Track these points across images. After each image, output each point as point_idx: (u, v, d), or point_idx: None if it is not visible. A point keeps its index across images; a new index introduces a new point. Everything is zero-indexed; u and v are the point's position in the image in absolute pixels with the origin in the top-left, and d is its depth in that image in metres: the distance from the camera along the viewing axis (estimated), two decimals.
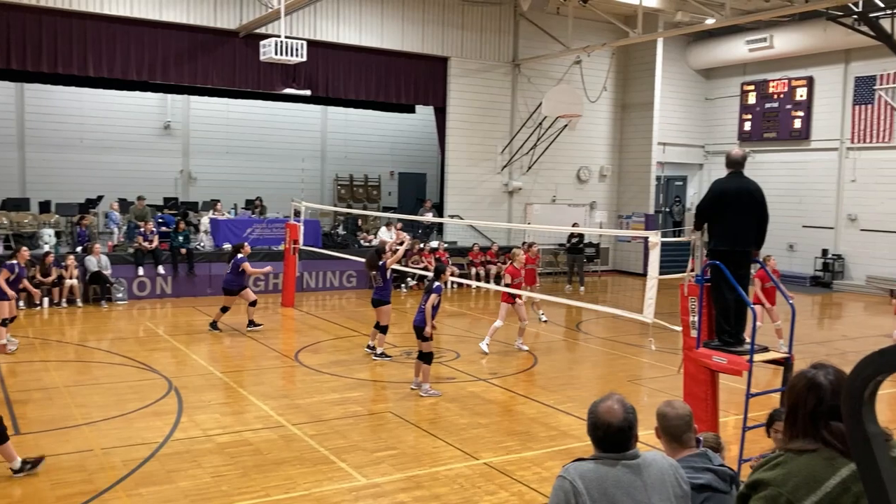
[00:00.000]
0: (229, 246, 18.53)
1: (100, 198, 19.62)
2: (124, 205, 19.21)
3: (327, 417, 8.85)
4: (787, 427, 2.52)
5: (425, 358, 9.89)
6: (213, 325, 13.86)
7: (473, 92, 22.69)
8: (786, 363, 6.75)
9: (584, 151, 24.81)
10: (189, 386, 10.03)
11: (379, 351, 11.88)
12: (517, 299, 12.68)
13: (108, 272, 16.56)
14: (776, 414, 5.06)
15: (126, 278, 17.05)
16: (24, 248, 12.69)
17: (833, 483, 2.31)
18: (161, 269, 17.46)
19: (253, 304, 14.04)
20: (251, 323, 14.01)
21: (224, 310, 13.91)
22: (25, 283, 12.50)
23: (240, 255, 13.96)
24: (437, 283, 10.01)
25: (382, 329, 11.89)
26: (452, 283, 19.86)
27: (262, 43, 16.12)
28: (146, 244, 17.29)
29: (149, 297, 17.32)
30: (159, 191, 21.31)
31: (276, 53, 15.45)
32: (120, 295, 16.82)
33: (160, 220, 18.65)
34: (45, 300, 15.69)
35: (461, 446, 7.94)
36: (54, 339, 13.03)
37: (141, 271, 17.25)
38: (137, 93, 20.76)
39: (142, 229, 17.49)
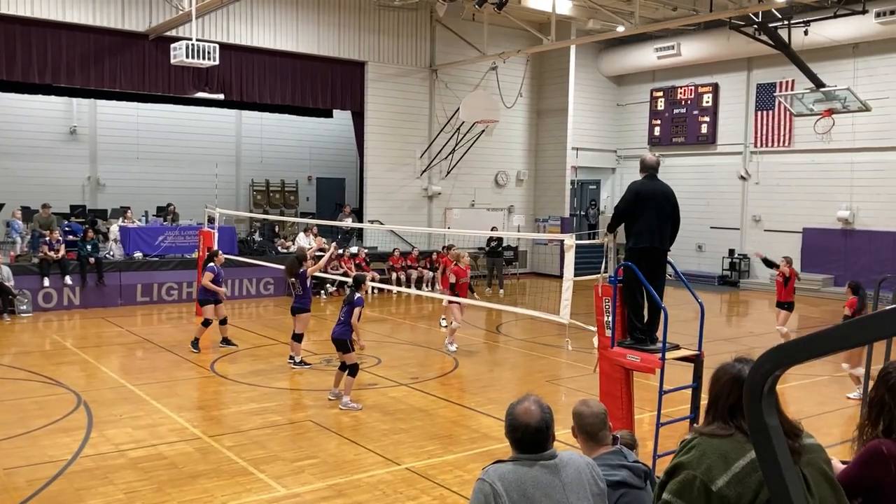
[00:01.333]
0: (140, 254, 18.05)
1: (0, 206, 18.71)
2: (28, 213, 18.37)
3: (245, 428, 8.67)
4: (706, 415, 2.65)
5: (351, 370, 9.65)
6: (226, 341, 12.94)
7: (391, 97, 22.68)
8: (696, 360, 6.97)
9: (501, 156, 25.12)
10: (99, 400, 9.66)
11: (297, 359, 11.72)
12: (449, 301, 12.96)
13: (10, 283, 15.79)
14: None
15: (30, 289, 16.30)
16: None
17: (742, 463, 2.44)
18: (68, 280, 16.77)
19: (206, 323, 12.77)
20: (227, 340, 13.03)
21: (222, 322, 12.94)
22: None
23: (210, 264, 12.95)
24: (358, 295, 9.77)
25: (297, 337, 11.73)
26: (373, 288, 19.77)
27: (172, 46, 15.69)
28: (52, 254, 16.59)
29: (55, 309, 16.61)
30: (66, 198, 20.45)
31: (187, 56, 15.06)
32: (24, 307, 16.08)
33: (67, 229, 17.92)
34: None
35: (383, 452, 7.91)
36: None
37: (47, 282, 16.53)
38: (40, 96, 19.90)
39: (47, 238, 16.76)
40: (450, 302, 13.15)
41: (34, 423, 8.66)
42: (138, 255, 18.06)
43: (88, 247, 17.11)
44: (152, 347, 13.11)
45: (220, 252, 13.74)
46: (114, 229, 18.61)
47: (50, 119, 21.42)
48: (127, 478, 7.07)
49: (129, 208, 19.33)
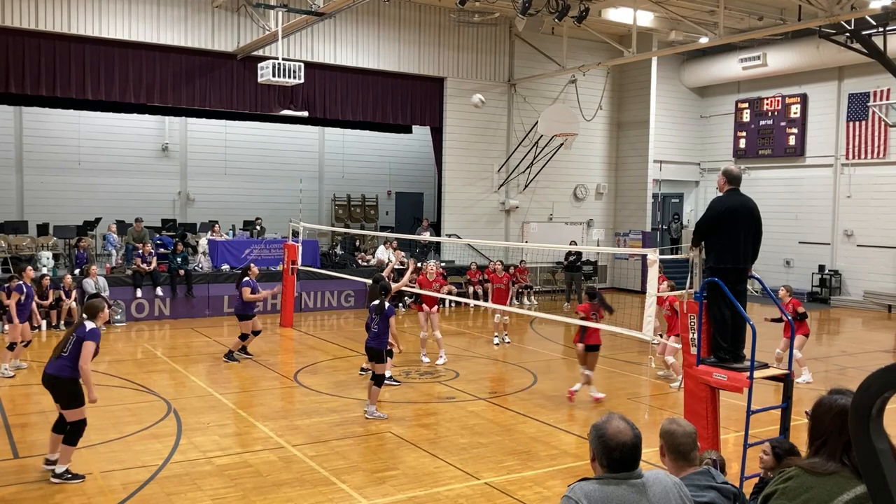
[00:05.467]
0: (227, 267, 18.62)
1: (98, 220, 19.63)
2: (122, 227, 19.23)
3: (327, 438, 8.82)
4: (809, 449, 2.54)
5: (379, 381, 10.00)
6: (230, 356, 13.02)
7: (470, 112, 22.77)
8: (785, 380, 6.75)
9: (580, 169, 24.91)
10: (188, 408, 9.99)
11: (388, 374, 11.85)
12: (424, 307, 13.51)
13: (105, 294, 16.51)
14: (781, 447, 4.97)
15: (124, 300, 17.02)
16: (29, 266, 12.70)
17: (847, 497, 2.33)
18: (159, 291, 17.44)
19: (254, 333, 13.21)
20: (242, 349, 13.24)
21: (242, 337, 13.11)
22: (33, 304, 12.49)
23: (245, 279, 13.18)
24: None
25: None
26: (450, 301, 19.87)
27: (259, 65, 16.23)
28: (144, 266, 17.28)
29: (147, 319, 17.29)
30: (157, 212, 21.35)
31: (273, 75, 15.55)
32: (118, 317, 16.78)
33: (158, 242, 18.66)
34: (44, 322, 15.64)
35: (462, 466, 7.91)
36: None
37: (139, 293, 17.23)
38: (135, 115, 20.86)
39: (140, 251, 17.48)
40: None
41: (128, 428, 9.02)
42: (226, 267, 18.64)
43: (178, 259, 17.76)
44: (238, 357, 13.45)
45: (253, 265, 13.97)
46: (203, 242, 19.26)
47: (143, 137, 22.41)
48: (214, 484, 7.28)
49: (217, 222, 20.00)
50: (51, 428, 7.63)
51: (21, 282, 11.93)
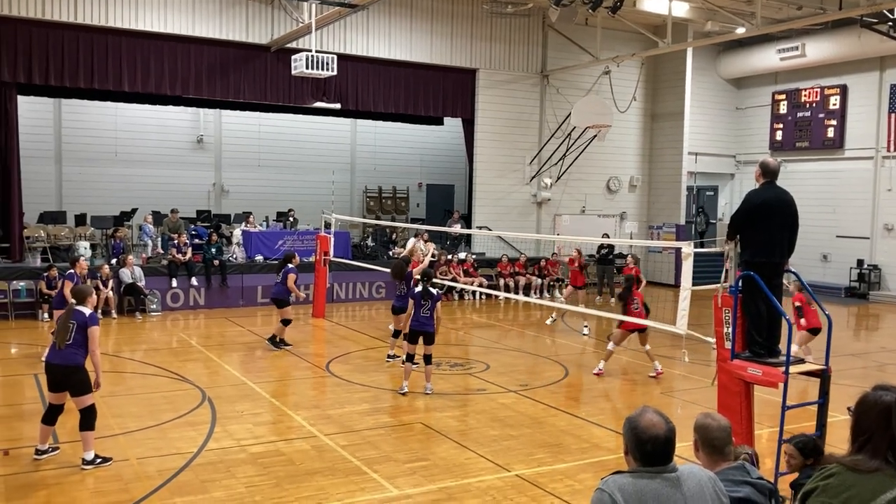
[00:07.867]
0: (261, 257, 18.79)
1: (134, 210, 19.92)
2: (158, 217, 19.49)
3: (359, 428, 8.88)
4: (851, 445, 2.49)
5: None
6: (273, 342, 13.34)
7: (502, 103, 22.72)
8: (823, 375, 6.64)
9: (613, 161, 24.71)
10: (222, 396, 10.12)
11: (391, 352, 12.19)
12: None
13: (141, 284, 16.78)
14: (806, 445, 4.98)
15: (160, 290, 17.27)
16: (83, 258, 12.94)
17: (889, 497, 2.28)
18: (194, 281, 17.66)
19: (285, 322, 13.52)
20: (275, 340, 13.46)
21: (285, 322, 13.43)
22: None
23: (290, 266, 13.56)
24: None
25: (397, 334, 12.11)
26: (481, 294, 19.88)
27: (293, 57, 16.33)
28: (179, 256, 17.51)
29: (182, 309, 17.52)
30: (192, 203, 21.61)
31: (307, 68, 15.64)
32: (154, 306, 17.03)
33: (193, 233, 18.89)
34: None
35: (492, 458, 7.92)
36: None
37: (174, 283, 17.46)
38: (171, 107, 21.11)
39: (175, 241, 17.72)
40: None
41: (163, 416, 9.17)
42: (259, 258, 18.82)
43: (213, 250, 17.97)
44: (271, 347, 13.60)
45: (297, 255, 14.40)
46: (237, 233, 19.46)
47: (179, 129, 22.66)
48: (248, 472, 7.37)
49: (251, 213, 20.20)
50: (41, 419, 7.69)
51: (73, 271, 12.22)
